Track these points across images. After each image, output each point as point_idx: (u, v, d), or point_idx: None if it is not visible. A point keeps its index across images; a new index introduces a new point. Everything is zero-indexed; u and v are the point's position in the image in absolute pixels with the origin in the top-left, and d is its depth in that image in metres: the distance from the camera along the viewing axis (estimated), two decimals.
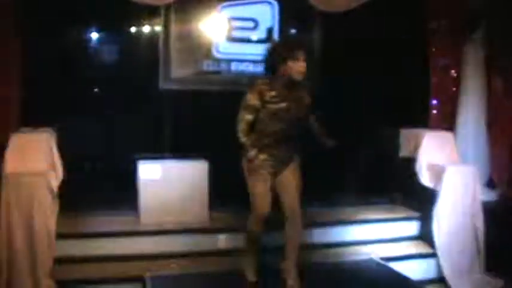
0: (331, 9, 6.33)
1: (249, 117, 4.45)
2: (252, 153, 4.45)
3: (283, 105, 4.43)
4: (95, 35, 6.72)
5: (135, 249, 5.32)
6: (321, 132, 4.74)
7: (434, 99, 6.86)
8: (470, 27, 6.67)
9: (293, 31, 7.15)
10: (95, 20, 6.41)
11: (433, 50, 6.90)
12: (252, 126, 4.51)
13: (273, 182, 4.65)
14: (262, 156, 4.52)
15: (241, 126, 4.45)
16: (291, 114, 4.48)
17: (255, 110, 4.44)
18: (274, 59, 4.50)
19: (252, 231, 4.70)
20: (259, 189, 4.57)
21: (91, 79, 6.43)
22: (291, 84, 4.48)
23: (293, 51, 4.41)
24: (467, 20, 6.71)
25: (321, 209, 6.40)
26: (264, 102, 4.41)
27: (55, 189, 4.94)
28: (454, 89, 6.83)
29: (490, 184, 6.67)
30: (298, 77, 4.44)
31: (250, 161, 4.49)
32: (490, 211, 6.08)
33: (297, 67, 4.41)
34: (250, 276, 4.82)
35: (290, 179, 4.68)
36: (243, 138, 4.46)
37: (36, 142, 5.06)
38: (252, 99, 4.43)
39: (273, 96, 4.42)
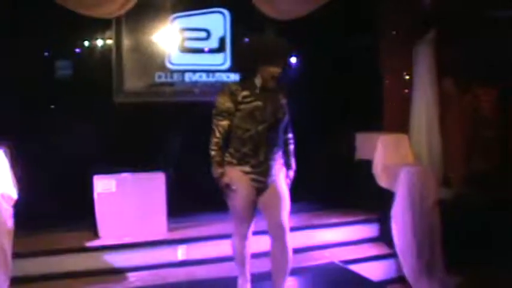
0: (282, 17, 6.38)
1: (223, 123, 4.10)
2: (219, 170, 4.13)
3: (258, 103, 4.10)
4: (46, 50, 6.61)
5: (94, 264, 5.26)
6: (288, 162, 4.43)
7: (387, 101, 6.92)
8: (421, 30, 6.77)
9: (246, 39, 7.16)
10: (45, 34, 6.31)
11: (385, 53, 6.98)
12: (226, 139, 4.17)
13: (257, 198, 4.25)
14: (242, 168, 4.15)
15: (215, 138, 4.12)
16: (267, 113, 4.12)
17: (230, 114, 4.10)
18: (248, 61, 4.19)
19: (238, 251, 4.45)
20: (241, 200, 4.21)
21: (43, 95, 6.33)
22: (262, 89, 4.17)
23: (273, 58, 4.10)
24: (418, 22, 6.81)
25: None
26: (236, 103, 4.08)
27: (9, 208, 4.85)
28: (407, 91, 6.91)
29: (445, 183, 6.76)
30: (271, 84, 4.15)
31: (220, 178, 4.14)
32: (446, 210, 6.17)
33: (272, 74, 4.10)
34: None
35: (276, 192, 4.25)
36: (213, 152, 4.13)
37: None
38: (224, 102, 4.09)
39: (246, 96, 4.10)
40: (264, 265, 4.54)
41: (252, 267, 4.58)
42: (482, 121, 7.22)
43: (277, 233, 4.24)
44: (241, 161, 4.16)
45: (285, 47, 4.21)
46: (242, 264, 4.51)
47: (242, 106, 4.09)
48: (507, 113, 7.16)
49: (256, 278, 4.64)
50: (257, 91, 4.14)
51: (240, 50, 4.45)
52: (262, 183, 4.20)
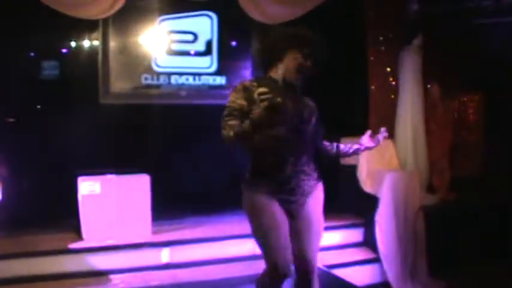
0: (270, 21, 6.38)
1: (235, 123, 3.25)
2: (250, 119, 3.18)
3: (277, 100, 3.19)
4: (32, 51, 6.57)
5: (77, 266, 5.20)
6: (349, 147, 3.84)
7: (373, 106, 6.94)
8: (408, 35, 6.80)
9: (233, 43, 7.17)
10: (32, 34, 6.27)
11: (372, 58, 6.99)
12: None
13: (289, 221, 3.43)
14: (266, 188, 3.36)
15: (229, 131, 3.25)
16: (290, 112, 3.35)
17: (243, 113, 3.28)
18: (275, 45, 3.48)
19: None
20: (274, 230, 3.33)
21: (29, 95, 6.29)
22: (284, 84, 3.47)
23: (304, 42, 3.45)
24: (404, 28, 6.84)
25: None
26: (251, 102, 3.29)
27: None
28: (393, 96, 6.93)
29: (430, 188, 6.78)
30: (295, 79, 3.48)
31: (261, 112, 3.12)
32: (431, 215, 6.18)
33: (299, 64, 3.44)
34: None
35: (310, 219, 3.46)
36: (231, 132, 3.23)
37: None
38: (235, 99, 3.33)
39: (263, 93, 3.23)
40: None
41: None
42: (467, 126, 7.27)
43: (301, 269, 3.47)
44: (264, 179, 3.37)
45: (321, 40, 3.57)
46: None
47: (260, 104, 3.20)
48: (492, 118, 7.20)
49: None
50: (279, 83, 3.44)
51: (267, 34, 3.58)
52: (293, 204, 3.42)
